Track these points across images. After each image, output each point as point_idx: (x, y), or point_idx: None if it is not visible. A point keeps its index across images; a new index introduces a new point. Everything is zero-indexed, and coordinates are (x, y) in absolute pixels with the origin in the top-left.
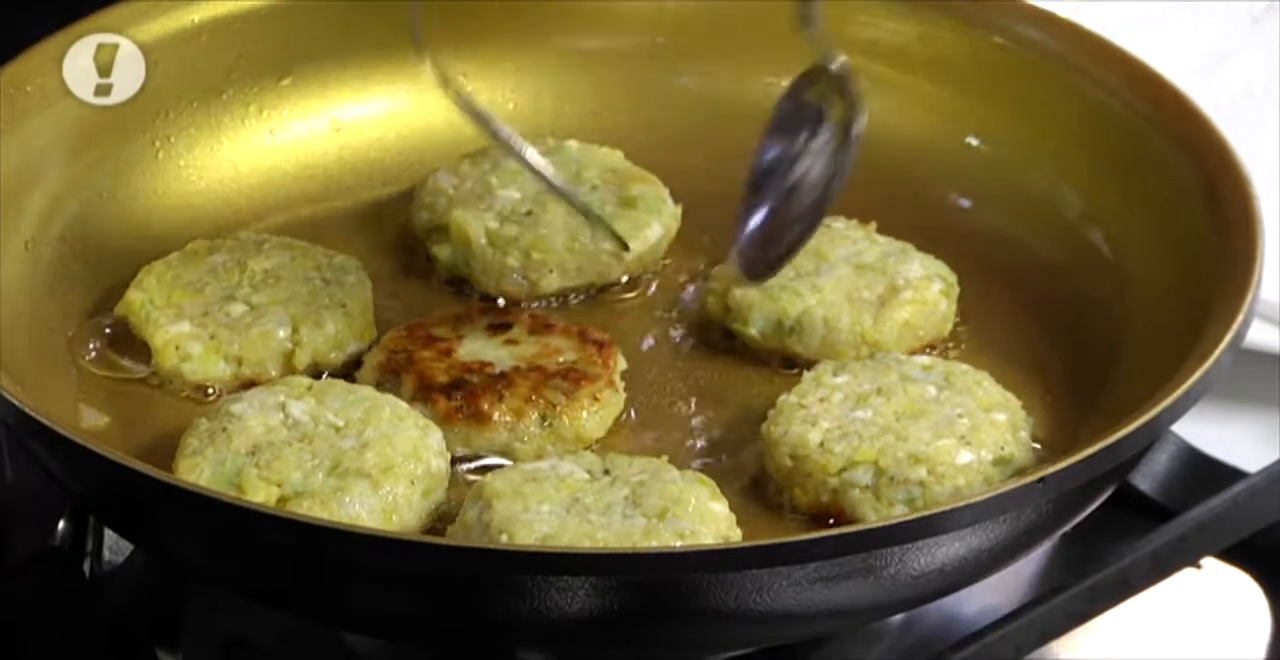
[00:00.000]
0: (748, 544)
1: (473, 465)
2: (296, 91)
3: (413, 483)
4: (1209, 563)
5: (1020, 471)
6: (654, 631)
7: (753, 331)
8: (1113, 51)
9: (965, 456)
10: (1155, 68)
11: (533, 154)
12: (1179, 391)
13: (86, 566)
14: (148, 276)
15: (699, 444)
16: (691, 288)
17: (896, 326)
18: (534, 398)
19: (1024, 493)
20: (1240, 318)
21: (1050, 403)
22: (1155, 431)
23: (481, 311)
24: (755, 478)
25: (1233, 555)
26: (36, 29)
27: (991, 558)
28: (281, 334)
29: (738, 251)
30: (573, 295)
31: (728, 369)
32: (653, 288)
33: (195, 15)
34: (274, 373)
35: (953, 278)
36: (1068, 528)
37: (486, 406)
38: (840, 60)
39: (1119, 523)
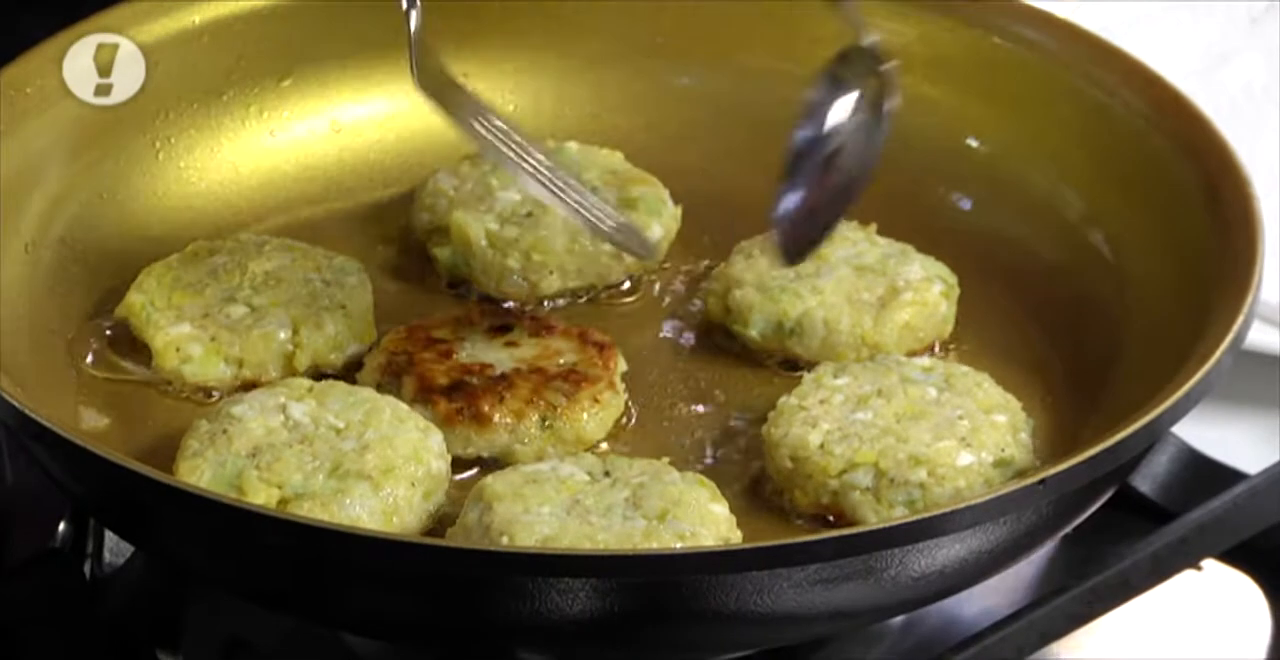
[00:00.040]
0: (748, 546)
1: (473, 467)
2: (297, 93)
3: (413, 484)
4: (1209, 564)
5: (1021, 473)
6: (655, 633)
7: (753, 333)
8: (1112, 52)
9: (965, 458)
10: (1155, 68)
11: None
12: (1179, 393)
13: (87, 568)
14: (148, 278)
15: (699, 445)
16: (692, 289)
17: (897, 328)
18: (534, 399)
19: (1024, 494)
20: (1240, 319)
21: (1050, 404)
22: (1155, 433)
23: (482, 313)
24: (755, 479)
25: (1233, 557)
26: (36, 30)
27: (992, 559)
28: (282, 335)
29: (775, 233)
30: (573, 297)
31: (728, 370)
32: (653, 289)
33: (196, 16)
34: (274, 374)
35: (953, 279)
36: (1068, 529)
37: (487, 408)
38: (873, 37)
39: (1119, 524)
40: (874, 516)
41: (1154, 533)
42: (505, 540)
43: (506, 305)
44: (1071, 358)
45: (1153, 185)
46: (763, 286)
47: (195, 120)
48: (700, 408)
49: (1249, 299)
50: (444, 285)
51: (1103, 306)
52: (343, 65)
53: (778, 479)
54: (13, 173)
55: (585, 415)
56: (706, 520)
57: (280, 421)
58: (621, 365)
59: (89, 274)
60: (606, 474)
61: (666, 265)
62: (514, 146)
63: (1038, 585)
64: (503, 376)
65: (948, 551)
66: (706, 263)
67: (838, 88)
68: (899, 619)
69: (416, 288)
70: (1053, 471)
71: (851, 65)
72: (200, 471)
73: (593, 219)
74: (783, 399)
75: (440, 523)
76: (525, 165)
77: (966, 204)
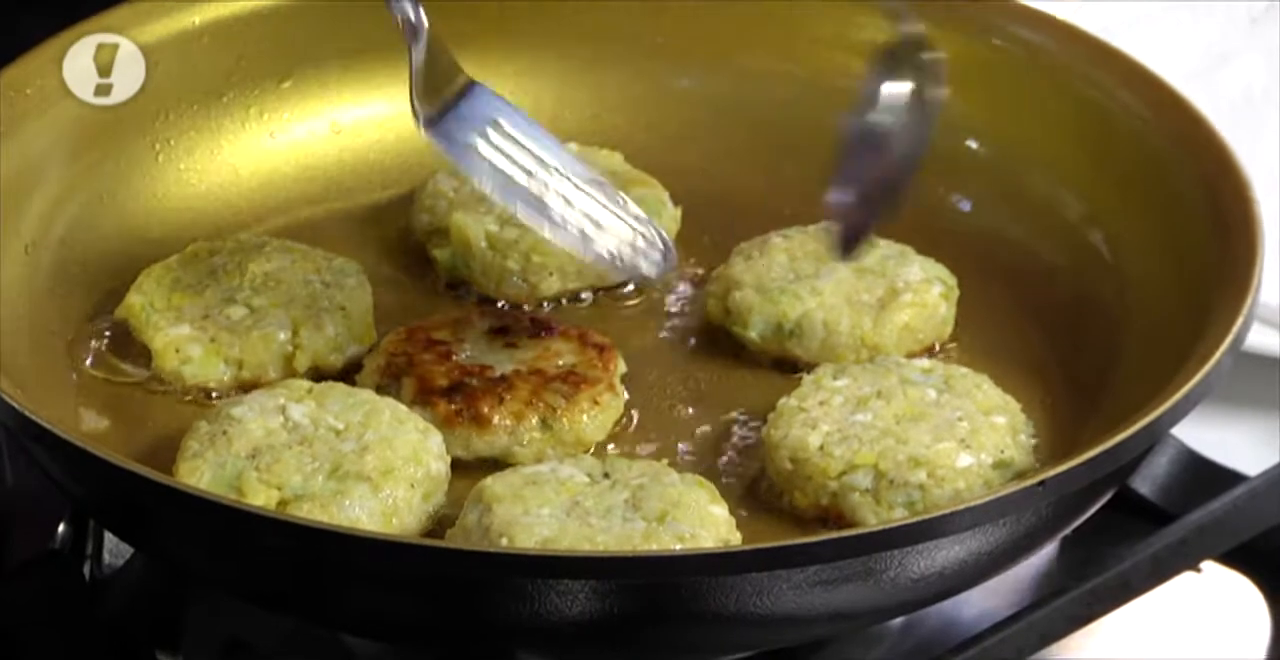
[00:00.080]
0: (747, 547)
1: (473, 469)
2: (297, 94)
3: (413, 486)
4: (1209, 566)
5: (1020, 475)
6: (654, 635)
7: (752, 334)
8: (1112, 54)
9: (965, 460)
10: (1155, 70)
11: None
12: (1179, 395)
13: (87, 569)
14: (148, 279)
15: (699, 447)
16: (692, 291)
17: (896, 329)
18: (534, 401)
19: (1024, 496)
20: (1240, 321)
21: (1050, 406)
22: (1155, 435)
23: (481, 315)
24: (755, 481)
25: (1232, 559)
26: (36, 32)
27: (991, 561)
28: (282, 337)
29: (830, 226)
30: (573, 298)
31: (727, 372)
32: (653, 291)
33: (196, 17)
34: (274, 376)
35: (952, 280)
36: (1068, 531)
37: (486, 410)
38: (916, 26)
39: (1119, 526)
40: (874, 518)
41: (1153, 534)
42: (505, 542)
43: (506, 307)
44: (1071, 359)
45: (1152, 186)
46: (762, 288)
47: (195, 122)
48: (700, 409)
49: (1248, 300)
50: (443, 287)
51: (1102, 308)
52: (343, 67)
53: (777, 480)
54: (13, 174)
55: (585, 417)
56: (706, 522)
57: (280, 423)
58: (621, 367)
59: (89, 275)
60: (606, 476)
61: None
62: (523, 166)
63: (1037, 587)
64: (502, 378)
65: (947, 553)
66: (706, 264)
67: (885, 78)
68: (898, 620)
69: (416, 289)
70: (1052, 473)
71: (898, 56)
72: (200, 473)
73: (595, 248)
74: (782, 400)
75: (440, 524)
76: (529, 195)
77: (966, 205)
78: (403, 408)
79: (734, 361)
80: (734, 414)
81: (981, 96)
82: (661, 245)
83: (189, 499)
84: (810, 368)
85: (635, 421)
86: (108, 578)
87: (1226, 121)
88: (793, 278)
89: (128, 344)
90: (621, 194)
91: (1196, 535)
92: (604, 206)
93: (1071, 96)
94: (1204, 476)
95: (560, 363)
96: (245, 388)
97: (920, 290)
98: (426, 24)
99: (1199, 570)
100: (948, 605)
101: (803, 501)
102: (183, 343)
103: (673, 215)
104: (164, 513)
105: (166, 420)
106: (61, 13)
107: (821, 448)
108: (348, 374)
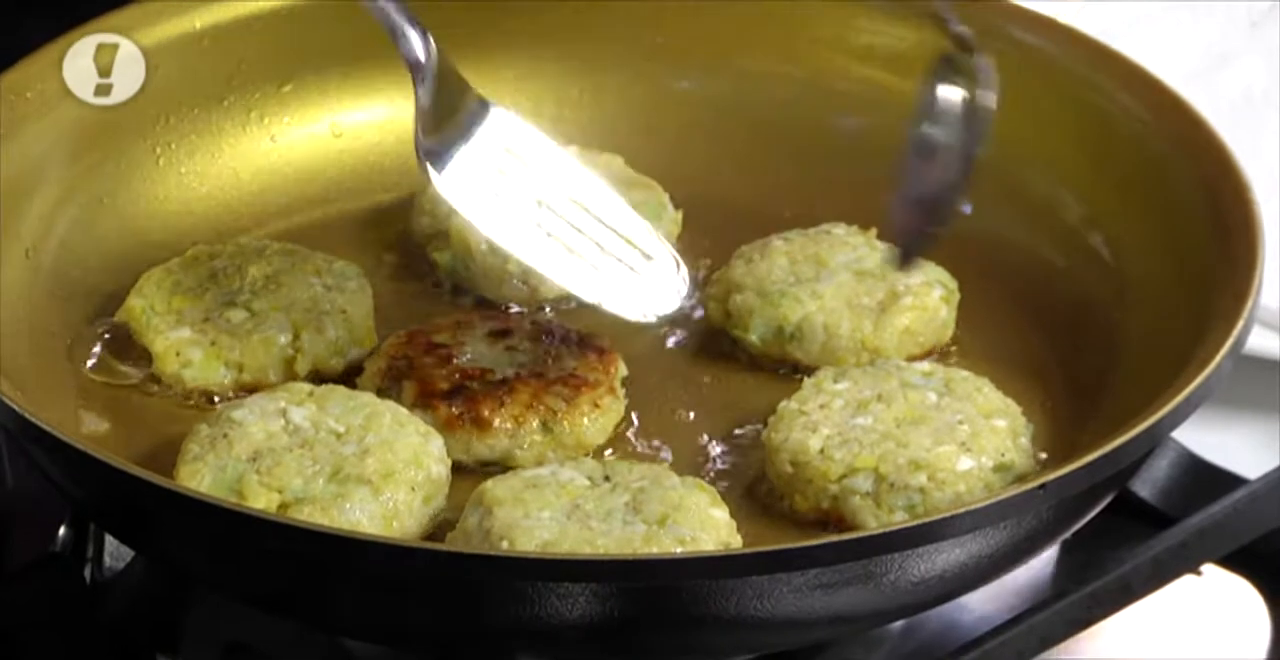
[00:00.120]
0: (748, 550)
1: (473, 472)
2: (297, 98)
3: (413, 489)
4: (1209, 569)
5: (1021, 478)
6: (655, 638)
7: (753, 338)
8: (1112, 56)
9: (965, 463)
10: (1155, 72)
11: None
12: (1179, 398)
13: (87, 572)
14: (148, 283)
15: (699, 450)
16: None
17: (897, 333)
18: (535, 404)
19: (1024, 499)
20: (1240, 324)
21: (1051, 409)
22: (1156, 438)
23: (482, 318)
24: (756, 484)
25: (1233, 562)
26: (36, 35)
27: (992, 564)
28: (282, 340)
29: (894, 234)
30: (573, 301)
31: (728, 375)
32: None
33: (197, 21)
34: (275, 379)
35: (953, 284)
36: (1068, 534)
37: (487, 413)
38: (962, 30)
39: (1119, 529)
40: (874, 521)
41: (1154, 537)
42: (505, 545)
43: (507, 310)
44: (1072, 362)
45: (1153, 189)
46: (763, 291)
47: (196, 125)
48: (700, 412)
49: (1249, 303)
50: (444, 290)
51: (1103, 311)
52: (343, 70)
53: (778, 484)
54: (13, 177)
55: (585, 420)
56: (706, 525)
57: (280, 426)
58: (622, 370)
59: (89, 278)
60: (606, 479)
61: None
62: (519, 199)
63: (1038, 590)
64: (503, 381)
65: (948, 556)
66: (706, 267)
67: (939, 87)
68: (899, 623)
69: (417, 292)
70: (1053, 476)
71: (951, 62)
72: (200, 476)
73: (599, 296)
74: (783, 404)
75: (440, 527)
76: (533, 238)
77: (966, 208)
78: (403, 411)
79: (734, 365)
80: (734, 417)
81: None
82: (680, 280)
83: (190, 502)
84: (810, 371)
85: (636, 425)
86: (108, 581)
87: (1226, 123)
88: (793, 281)
89: (128, 347)
90: (641, 221)
91: (1197, 538)
92: (617, 239)
93: (1071, 99)
94: (1204, 480)
95: (561, 366)
96: (246, 391)
97: (921, 293)
98: (435, 56)
99: (1199, 573)
100: (948, 608)
101: (803, 505)
102: (183, 346)
103: (673, 218)
104: (164, 516)
105: (167, 423)
106: (62, 16)
107: (822, 451)
108: (348, 377)
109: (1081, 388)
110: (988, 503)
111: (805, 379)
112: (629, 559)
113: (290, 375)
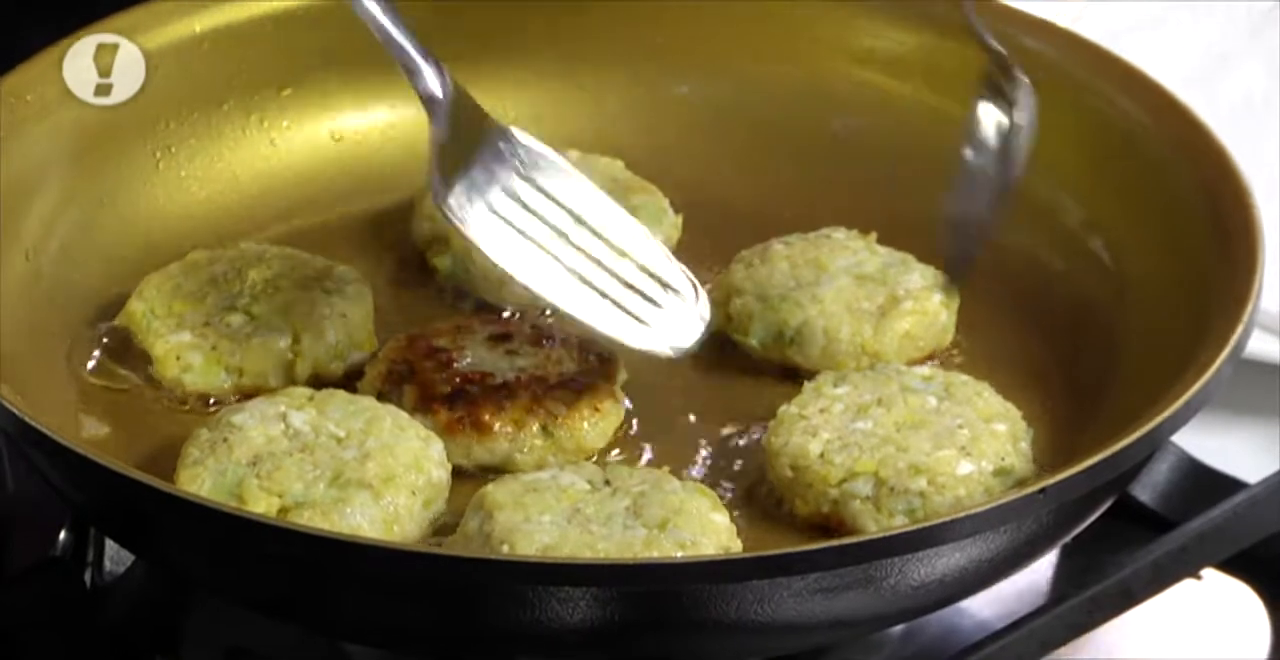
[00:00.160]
0: (748, 555)
1: (474, 476)
2: (298, 102)
3: (414, 493)
4: (1209, 573)
5: (1021, 482)
6: (655, 642)
7: (753, 342)
8: (1112, 60)
9: (966, 467)
10: (1154, 77)
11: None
12: (1179, 402)
13: (88, 576)
14: (148, 287)
15: (700, 455)
16: None
17: (897, 337)
18: (535, 408)
19: (1024, 503)
20: (1240, 328)
21: (1050, 413)
22: (1155, 442)
23: (482, 322)
24: (756, 488)
25: (1233, 566)
26: (36, 39)
27: (992, 568)
28: (282, 344)
29: (944, 264)
30: None
31: (728, 379)
32: None
33: (197, 25)
34: (275, 383)
35: (953, 288)
36: (1068, 538)
37: (487, 417)
38: (996, 47)
39: (1119, 533)
40: (874, 525)
41: (1154, 542)
42: (506, 549)
43: (507, 314)
44: (1071, 366)
45: (1152, 193)
46: (763, 295)
47: (196, 129)
48: (700, 416)
49: (1249, 307)
50: (444, 294)
51: (1103, 314)
52: (343, 75)
53: (778, 488)
54: (13, 180)
55: (586, 424)
56: (707, 529)
57: (281, 430)
58: (622, 374)
59: (89, 282)
60: (607, 483)
61: None
62: (540, 233)
63: (1038, 594)
64: (503, 385)
65: (948, 560)
66: (707, 271)
67: (983, 107)
68: (899, 628)
69: (417, 296)
70: (1053, 480)
71: (993, 83)
72: (201, 480)
73: (614, 327)
74: (783, 408)
75: (441, 531)
76: (546, 271)
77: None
78: (404, 415)
79: (735, 369)
80: (734, 421)
81: None
82: (700, 310)
83: (190, 506)
84: (811, 375)
85: (636, 429)
86: (109, 585)
87: (1226, 127)
88: (793, 285)
89: (128, 351)
90: (662, 249)
91: (1197, 542)
92: (638, 271)
93: (1071, 103)
94: (1204, 484)
95: (561, 370)
96: (246, 395)
97: (921, 298)
98: (451, 90)
99: (1199, 577)
100: (948, 612)
101: (803, 509)
102: (183, 350)
103: (673, 222)
104: (165, 520)
105: (167, 427)
106: (62, 19)
107: (822, 455)
108: (349, 381)
109: (1081, 392)
110: (988, 507)
111: (805, 383)
112: (629, 563)
113: (290, 379)
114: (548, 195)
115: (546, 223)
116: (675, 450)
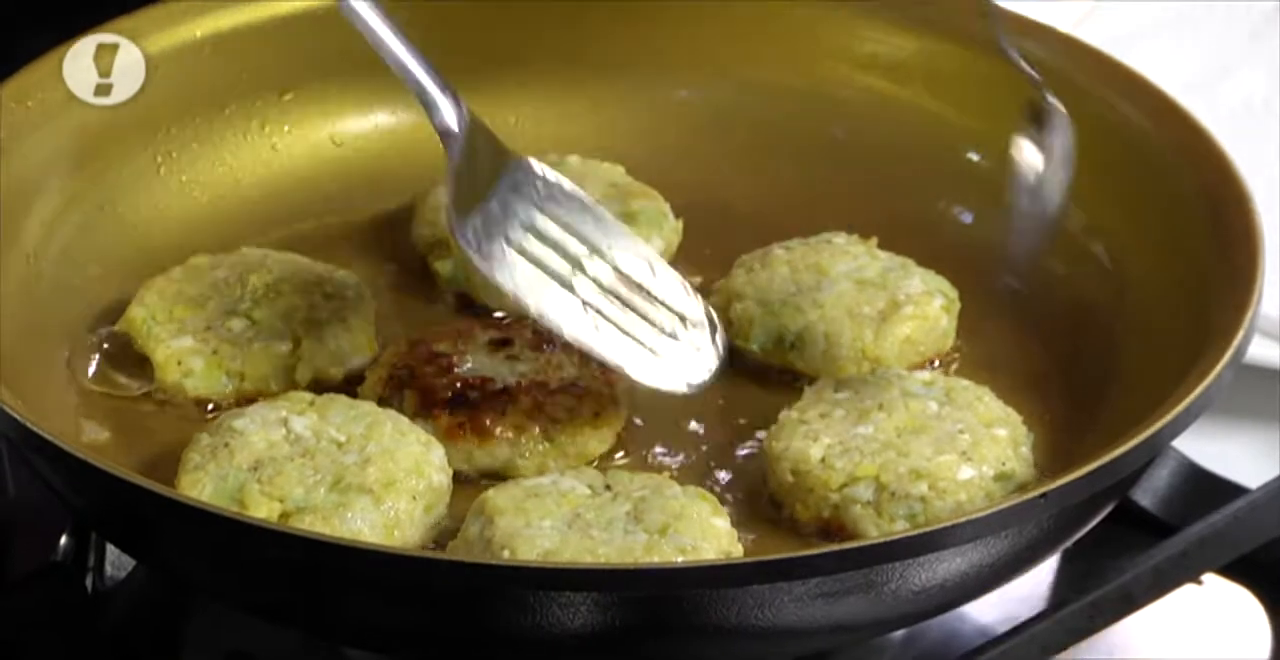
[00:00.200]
0: (749, 560)
1: (475, 481)
2: (299, 106)
3: (414, 498)
4: (1210, 578)
5: (1021, 487)
6: (656, 647)
7: (754, 347)
8: (1113, 66)
9: (966, 472)
10: (1155, 82)
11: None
12: (1180, 407)
13: (89, 581)
14: (149, 292)
15: (700, 460)
16: None
17: (897, 342)
18: (536, 413)
19: (1025, 508)
20: (1241, 333)
21: (1051, 418)
22: (1156, 447)
23: (483, 327)
24: (757, 493)
25: (1234, 571)
26: (37, 44)
27: (993, 573)
28: (283, 349)
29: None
30: None
31: (729, 384)
32: None
33: (198, 29)
34: (275, 388)
35: (954, 293)
36: (1069, 543)
37: (489, 422)
38: (1031, 73)
39: (1120, 538)
40: (875, 530)
41: (1155, 547)
42: (506, 554)
43: (508, 319)
44: (1072, 371)
45: (1153, 198)
46: (763, 300)
47: (197, 133)
48: (701, 422)
49: (1250, 313)
50: (445, 299)
51: (1103, 320)
52: (345, 79)
53: (779, 493)
54: (14, 184)
55: (587, 429)
56: (708, 534)
57: (282, 435)
58: (623, 379)
59: (90, 287)
60: (608, 488)
61: None
62: (556, 266)
63: (1039, 599)
64: (504, 390)
65: (948, 565)
66: (707, 276)
67: (1021, 140)
68: (900, 633)
69: (418, 301)
70: (1054, 485)
71: (1033, 110)
72: (202, 485)
73: (629, 362)
74: (784, 413)
75: (441, 536)
76: (563, 305)
77: (968, 217)
78: (405, 420)
79: (735, 374)
80: (735, 426)
81: (982, 108)
82: (717, 343)
83: (191, 511)
84: (812, 380)
85: (637, 434)
86: (110, 590)
87: (1227, 132)
88: (794, 290)
89: (129, 356)
90: (679, 280)
91: (1197, 547)
92: (655, 305)
93: (1072, 108)
94: (1205, 489)
95: (562, 375)
96: (247, 400)
97: (921, 303)
98: (468, 123)
99: (1200, 582)
100: (949, 617)
101: (804, 514)
102: (184, 355)
103: (674, 227)
104: (166, 525)
105: (168, 432)
106: (63, 24)
107: (823, 460)
108: (349, 386)
109: (1082, 397)
110: (989, 512)
111: (806, 388)
112: (630, 568)
113: (291, 384)
114: (565, 227)
115: (564, 255)
116: (676, 455)
